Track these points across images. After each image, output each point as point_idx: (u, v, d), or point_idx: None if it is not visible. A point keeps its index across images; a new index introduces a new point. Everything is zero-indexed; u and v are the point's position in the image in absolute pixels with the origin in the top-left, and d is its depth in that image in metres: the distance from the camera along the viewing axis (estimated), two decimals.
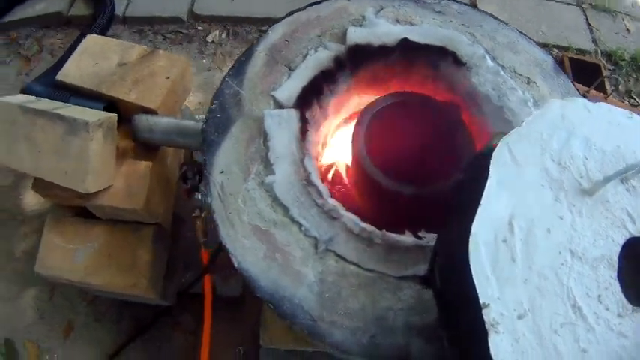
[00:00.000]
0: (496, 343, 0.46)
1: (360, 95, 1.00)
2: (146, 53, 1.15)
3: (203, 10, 1.87)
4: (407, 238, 0.76)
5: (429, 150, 1.00)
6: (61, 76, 1.14)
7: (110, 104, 1.10)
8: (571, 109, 0.60)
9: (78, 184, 1.03)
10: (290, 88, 0.85)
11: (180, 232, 1.35)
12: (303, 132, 0.83)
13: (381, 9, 0.96)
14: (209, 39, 1.76)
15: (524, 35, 1.04)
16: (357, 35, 0.91)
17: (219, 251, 1.21)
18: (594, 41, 1.82)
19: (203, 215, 1.19)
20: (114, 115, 1.06)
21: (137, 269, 1.12)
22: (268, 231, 0.76)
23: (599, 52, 1.81)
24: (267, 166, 0.79)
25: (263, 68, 0.88)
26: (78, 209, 1.22)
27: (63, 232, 1.19)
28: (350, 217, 0.77)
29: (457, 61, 0.96)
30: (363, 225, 0.76)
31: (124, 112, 1.09)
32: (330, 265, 0.74)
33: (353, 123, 1.04)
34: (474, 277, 0.49)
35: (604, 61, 1.87)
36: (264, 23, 1.83)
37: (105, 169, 1.06)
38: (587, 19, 1.83)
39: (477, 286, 0.48)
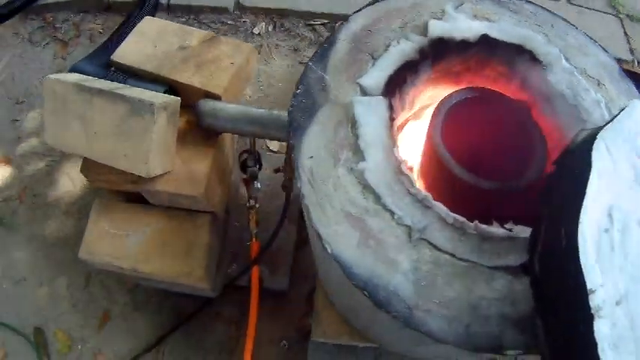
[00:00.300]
0: (599, 327, 0.49)
1: (433, 88, 1.00)
2: (208, 38, 1.13)
3: (250, 2, 1.85)
4: (497, 229, 0.75)
5: (502, 146, 1.00)
6: (116, 57, 1.12)
7: (171, 88, 1.08)
8: None
9: (138, 167, 1.01)
10: (376, 76, 0.84)
11: (227, 223, 1.33)
12: (391, 120, 0.82)
13: (461, 4, 0.96)
14: (255, 31, 1.74)
15: (592, 39, 1.04)
16: (439, 28, 0.91)
17: (274, 240, 1.19)
18: (631, 51, 1.85)
19: (257, 206, 1.18)
20: (177, 99, 1.04)
21: (192, 258, 1.10)
22: (361, 218, 0.74)
23: (636, 62, 1.84)
24: (357, 153, 0.78)
25: (346, 56, 0.87)
26: (127, 195, 1.20)
27: (112, 218, 1.17)
28: (441, 207, 0.76)
29: (534, 59, 0.96)
30: (453, 215, 0.75)
31: (185, 97, 1.07)
32: (425, 254, 0.73)
33: (423, 116, 1.04)
34: (582, 264, 0.51)
35: None
36: (311, 17, 1.82)
37: (166, 153, 1.04)
38: (624, 30, 1.85)
39: (584, 274, 0.50)
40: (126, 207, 1.17)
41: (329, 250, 0.72)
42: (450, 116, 0.95)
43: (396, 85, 0.88)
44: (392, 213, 0.75)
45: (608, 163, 0.57)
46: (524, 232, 0.77)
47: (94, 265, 1.18)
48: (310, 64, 0.87)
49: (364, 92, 0.84)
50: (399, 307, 0.70)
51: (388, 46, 0.89)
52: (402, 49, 0.88)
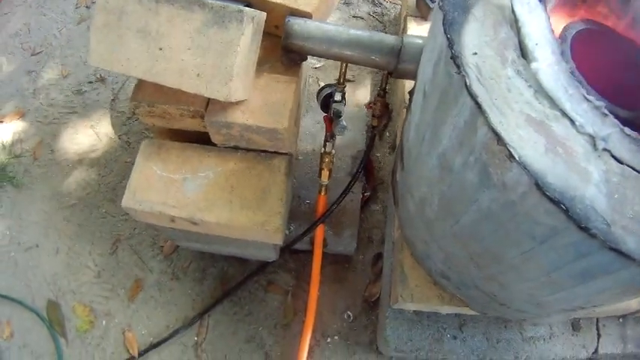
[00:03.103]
0: None
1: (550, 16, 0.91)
2: None
3: None
4: None
5: (619, 80, 0.93)
6: None
7: (249, 5, 0.93)
8: None
9: (217, 89, 0.85)
10: None
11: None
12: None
13: None
14: None
15: None
16: None
17: (345, 195, 1.05)
18: None
19: (334, 152, 1.04)
20: (263, 13, 0.89)
21: (268, 205, 0.93)
22: (544, 122, 0.62)
23: None
24: (525, 54, 0.66)
25: None
26: (179, 137, 1.03)
27: (165, 160, 0.99)
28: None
29: None
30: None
31: (266, 17, 0.92)
32: (612, 165, 0.61)
33: None
34: None
35: None
36: None
37: (248, 76, 0.89)
38: None
39: None
40: (182, 147, 1.00)
41: (515, 156, 0.59)
42: (574, 44, 0.87)
43: None
44: (572, 120, 0.63)
45: None
46: None
47: (140, 217, 1.00)
48: None
49: None
50: (598, 223, 0.58)
51: None
52: None
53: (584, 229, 0.57)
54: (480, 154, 0.65)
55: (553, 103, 0.64)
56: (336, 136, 1.01)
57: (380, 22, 1.52)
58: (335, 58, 0.92)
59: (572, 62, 0.81)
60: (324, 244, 1.13)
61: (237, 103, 0.91)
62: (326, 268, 1.16)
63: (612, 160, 0.63)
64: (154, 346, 1.13)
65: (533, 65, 0.65)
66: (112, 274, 1.21)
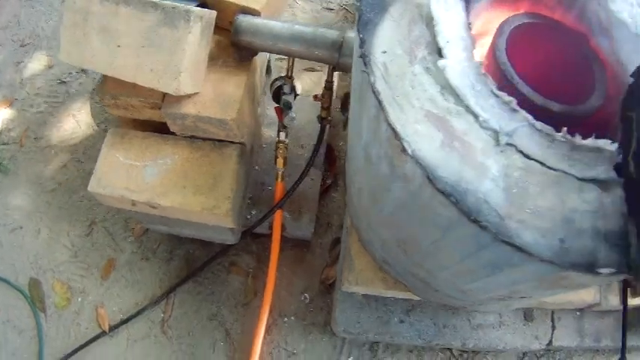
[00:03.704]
0: None
1: (491, 11, 0.93)
2: None
3: None
4: (585, 140, 0.68)
5: (561, 73, 0.94)
6: None
7: (203, 4, 0.98)
8: None
9: (167, 83, 0.91)
10: None
11: (250, 165, 1.23)
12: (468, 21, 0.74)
13: None
14: None
15: None
16: None
17: (301, 181, 1.10)
18: None
19: (287, 141, 1.09)
20: (214, 12, 0.94)
21: (218, 191, 1.00)
22: (444, 117, 0.66)
23: None
24: (435, 52, 0.70)
25: None
26: (144, 126, 1.09)
27: (128, 148, 1.06)
28: (525, 113, 0.68)
29: None
30: (539, 122, 0.67)
31: (218, 15, 0.97)
32: (515, 159, 0.65)
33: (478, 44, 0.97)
34: None
35: None
36: None
37: (197, 71, 0.94)
38: None
39: None
40: (144, 136, 1.06)
41: (409, 151, 0.63)
42: (512, 38, 0.89)
43: None
44: (476, 115, 0.67)
45: None
46: (607, 145, 0.70)
47: (105, 201, 1.07)
48: None
49: None
50: (490, 217, 0.62)
51: None
52: None
53: (476, 222, 0.61)
54: (386, 147, 0.70)
55: (459, 99, 0.68)
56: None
57: (351, 13, 1.55)
58: (282, 53, 0.96)
59: (504, 57, 0.84)
60: (283, 229, 1.19)
61: (191, 95, 0.97)
62: (286, 251, 1.22)
63: (517, 155, 0.66)
64: (123, 322, 1.21)
65: (441, 62, 0.69)
66: (87, 254, 1.29)
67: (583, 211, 0.64)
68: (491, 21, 0.95)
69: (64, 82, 1.51)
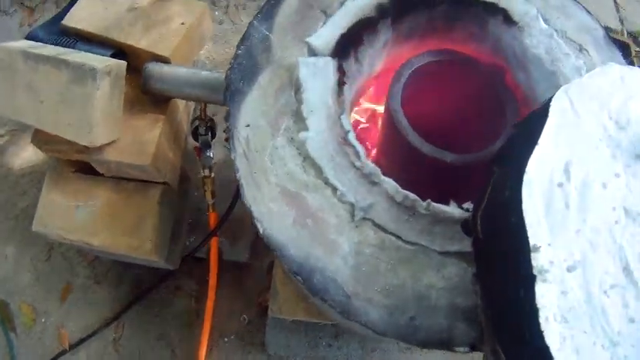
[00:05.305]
0: (542, 292, 0.43)
1: (395, 51, 0.91)
2: None
3: None
4: (453, 209, 0.68)
5: (470, 115, 0.92)
6: (67, 20, 1.05)
7: (119, 52, 1.01)
8: (630, 75, 0.56)
9: (82, 137, 0.95)
10: (326, 34, 0.76)
11: (186, 192, 1.27)
12: (340, 85, 0.74)
13: None
14: None
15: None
16: None
17: (230, 212, 1.13)
18: (620, 20, 1.74)
19: (212, 175, 1.12)
20: (123, 63, 0.96)
21: (142, 231, 1.04)
22: (299, 194, 0.67)
23: (625, 31, 1.73)
24: (299, 121, 0.71)
25: (295, 12, 0.79)
26: (80, 165, 1.14)
27: (63, 189, 1.11)
28: (390, 183, 0.69)
29: (508, 19, 0.87)
30: (405, 192, 0.68)
31: (133, 61, 0.99)
32: (368, 236, 0.66)
33: (385, 81, 0.96)
34: (524, 217, 0.46)
35: (631, 41, 1.79)
36: None
37: (112, 121, 0.97)
38: None
39: (527, 228, 0.45)
40: (77, 178, 1.11)
41: (260, 230, 0.66)
42: (411, 82, 0.87)
43: (351, 46, 0.79)
44: (334, 189, 0.68)
45: (571, 118, 0.52)
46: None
47: (48, 238, 1.13)
48: (255, 22, 0.78)
49: (312, 53, 0.76)
50: (336, 295, 0.64)
51: (343, 2, 0.80)
52: (359, 5, 0.79)
53: (323, 300, 0.64)
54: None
55: (319, 171, 0.69)
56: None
57: None
58: (189, 98, 0.98)
59: (397, 105, 0.84)
60: (220, 253, 1.24)
61: (110, 142, 1.00)
62: (226, 274, 1.27)
63: (372, 230, 0.67)
64: (81, 341, 1.30)
65: (302, 135, 0.70)
66: (47, 277, 1.37)
67: (441, 287, 0.65)
68: (399, 59, 0.93)
69: None
